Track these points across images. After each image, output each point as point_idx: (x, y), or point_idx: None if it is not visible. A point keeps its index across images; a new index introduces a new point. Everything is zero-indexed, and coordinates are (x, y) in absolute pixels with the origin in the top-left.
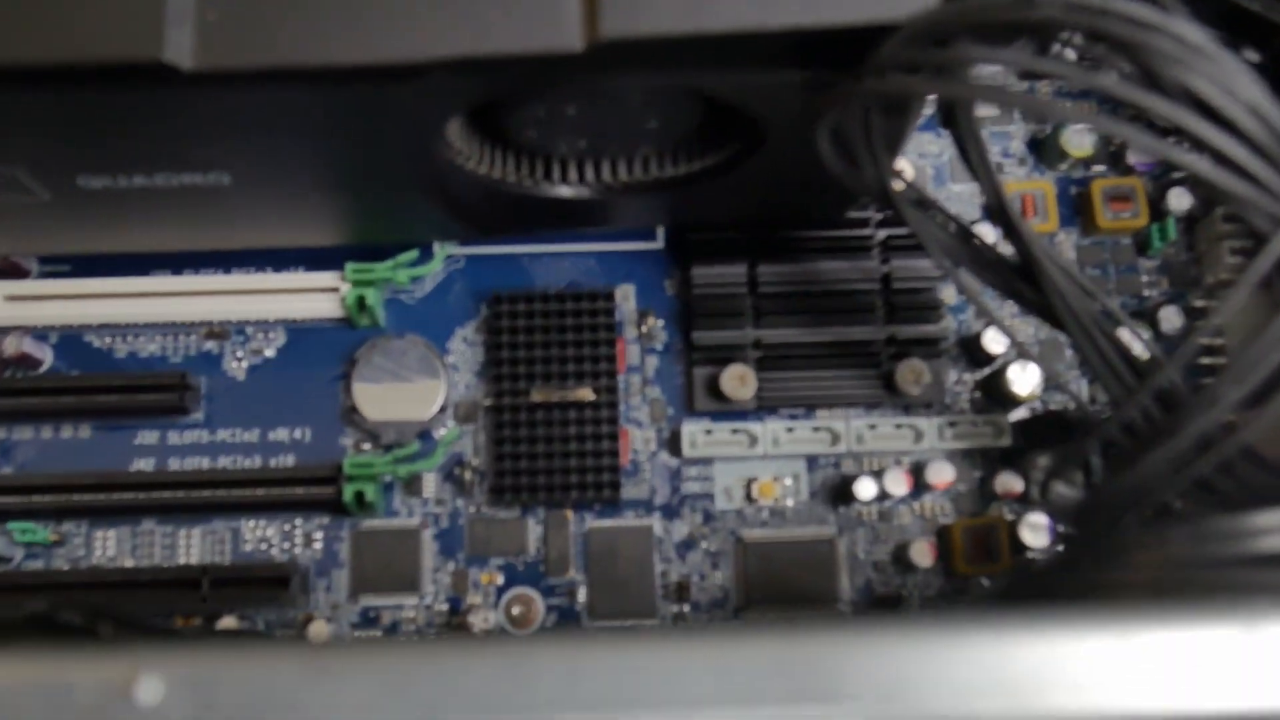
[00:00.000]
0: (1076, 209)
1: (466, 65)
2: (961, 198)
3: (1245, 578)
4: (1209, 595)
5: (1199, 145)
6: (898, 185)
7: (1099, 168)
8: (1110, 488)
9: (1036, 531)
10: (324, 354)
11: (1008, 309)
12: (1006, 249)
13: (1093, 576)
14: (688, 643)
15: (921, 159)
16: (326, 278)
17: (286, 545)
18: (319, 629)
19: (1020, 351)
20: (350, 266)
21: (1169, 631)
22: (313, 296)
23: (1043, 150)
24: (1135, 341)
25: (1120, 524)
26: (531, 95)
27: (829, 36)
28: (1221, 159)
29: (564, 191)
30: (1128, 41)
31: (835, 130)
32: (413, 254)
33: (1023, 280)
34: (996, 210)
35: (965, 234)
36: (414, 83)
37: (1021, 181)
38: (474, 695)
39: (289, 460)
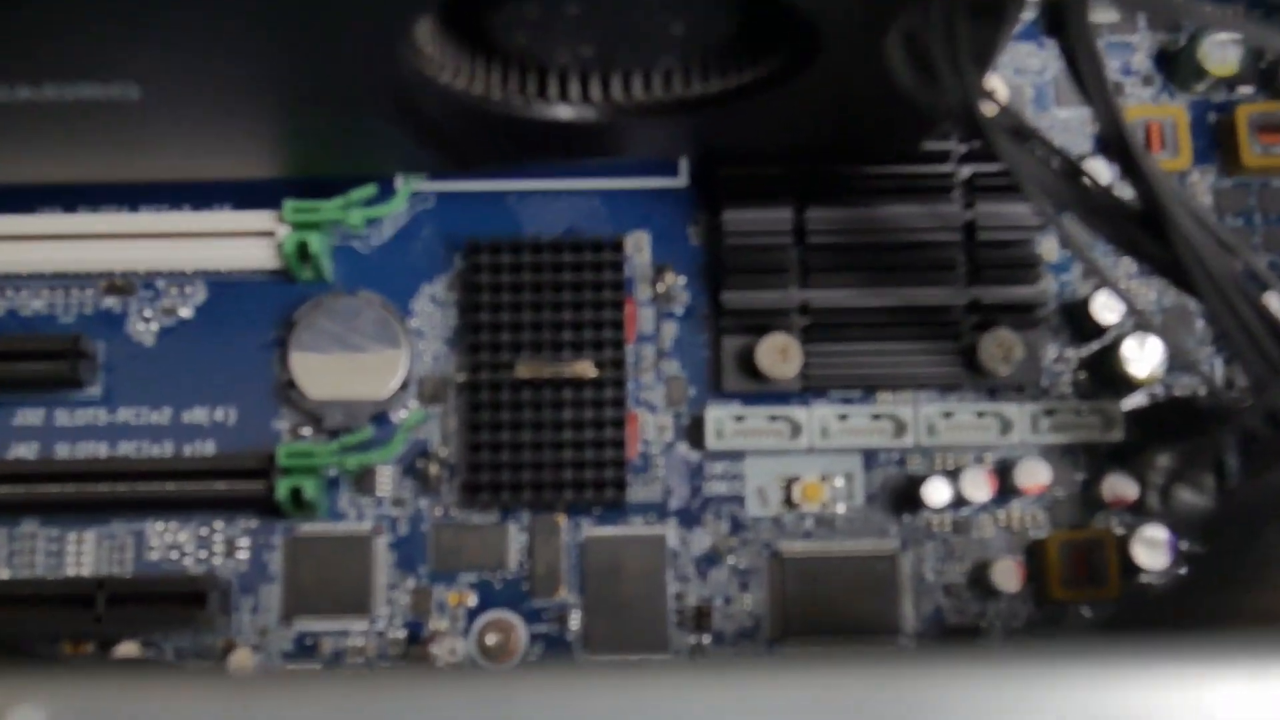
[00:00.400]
0: (1216, 141)
1: None
2: (1069, 126)
3: None
4: None
5: None
6: (989, 108)
7: (1245, 89)
8: (1249, 491)
9: (1154, 549)
10: (255, 315)
11: (1124, 268)
12: (1125, 192)
13: (1226, 601)
14: (707, 681)
15: (1019, 76)
16: (259, 219)
17: (204, 554)
18: (242, 659)
19: (1139, 322)
20: (290, 205)
21: None
22: (242, 242)
23: (1175, 67)
24: None
25: (1262, 536)
26: None
27: None
28: None
29: (563, 113)
30: None
31: (909, 36)
32: (369, 190)
33: (1144, 231)
34: (1113, 142)
35: (1073, 171)
36: None
37: (1147, 106)
38: None
39: (208, 448)
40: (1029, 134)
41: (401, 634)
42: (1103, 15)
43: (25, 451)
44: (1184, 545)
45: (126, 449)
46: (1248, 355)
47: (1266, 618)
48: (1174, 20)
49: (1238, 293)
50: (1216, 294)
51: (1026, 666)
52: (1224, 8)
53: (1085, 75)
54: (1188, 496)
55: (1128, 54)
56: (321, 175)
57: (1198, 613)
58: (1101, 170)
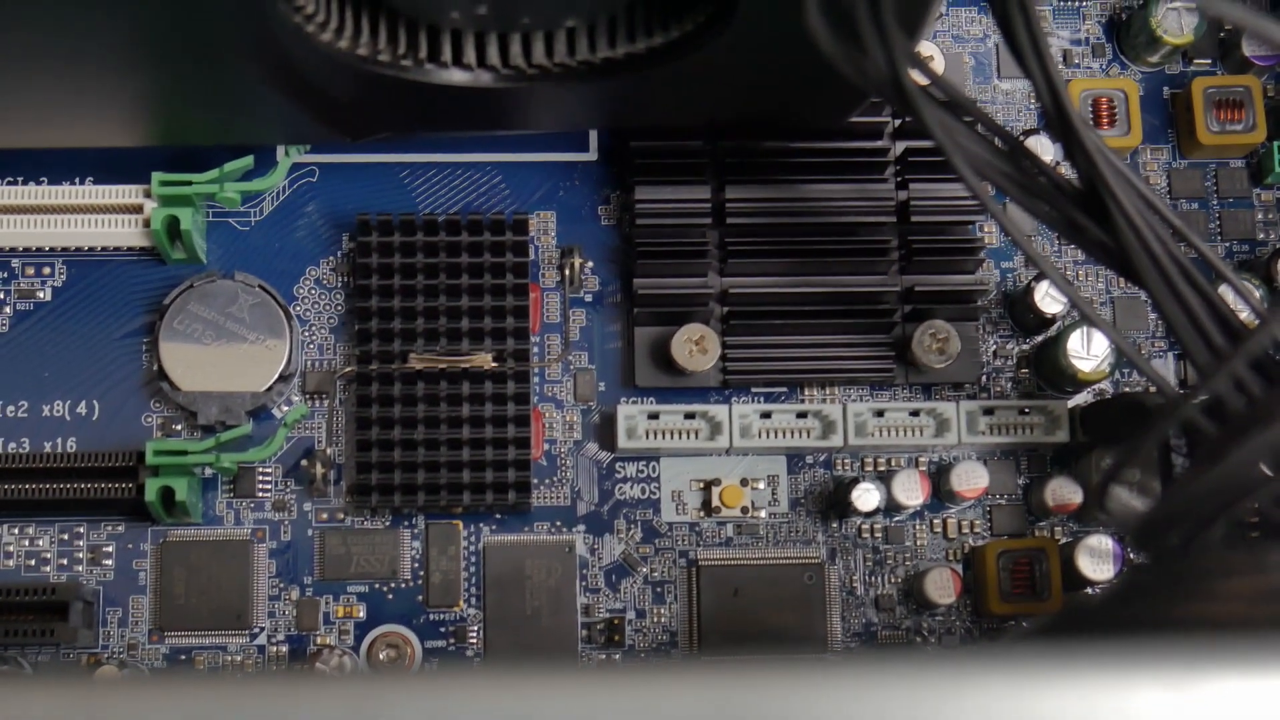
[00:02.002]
0: (1170, 118)
1: None
2: (1012, 99)
3: None
4: None
5: None
6: (918, 77)
7: (1202, 62)
8: (1187, 490)
9: (1099, 559)
10: (120, 299)
11: (1071, 255)
12: (1071, 173)
13: (1165, 610)
14: (609, 687)
15: (958, 44)
16: (125, 193)
17: (65, 561)
18: (109, 676)
19: (1083, 313)
20: (158, 178)
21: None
22: (105, 219)
23: (1126, 36)
24: (1237, 297)
25: (1201, 541)
26: None
27: None
28: None
29: (456, 77)
30: None
31: None
32: (246, 162)
33: (1084, 211)
34: (1052, 113)
35: (1010, 147)
36: None
37: (1096, 79)
38: None
39: (70, 445)
40: (962, 107)
41: (285, 649)
42: None
43: None
44: (1131, 555)
45: None
46: (1190, 343)
47: (1205, 625)
48: None
49: (1182, 276)
50: (1159, 278)
51: (948, 672)
52: None
53: (1021, 44)
54: (1125, 497)
55: (1076, 21)
56: (194, 144)
57: (1135, 619)
58: (1046, 148)
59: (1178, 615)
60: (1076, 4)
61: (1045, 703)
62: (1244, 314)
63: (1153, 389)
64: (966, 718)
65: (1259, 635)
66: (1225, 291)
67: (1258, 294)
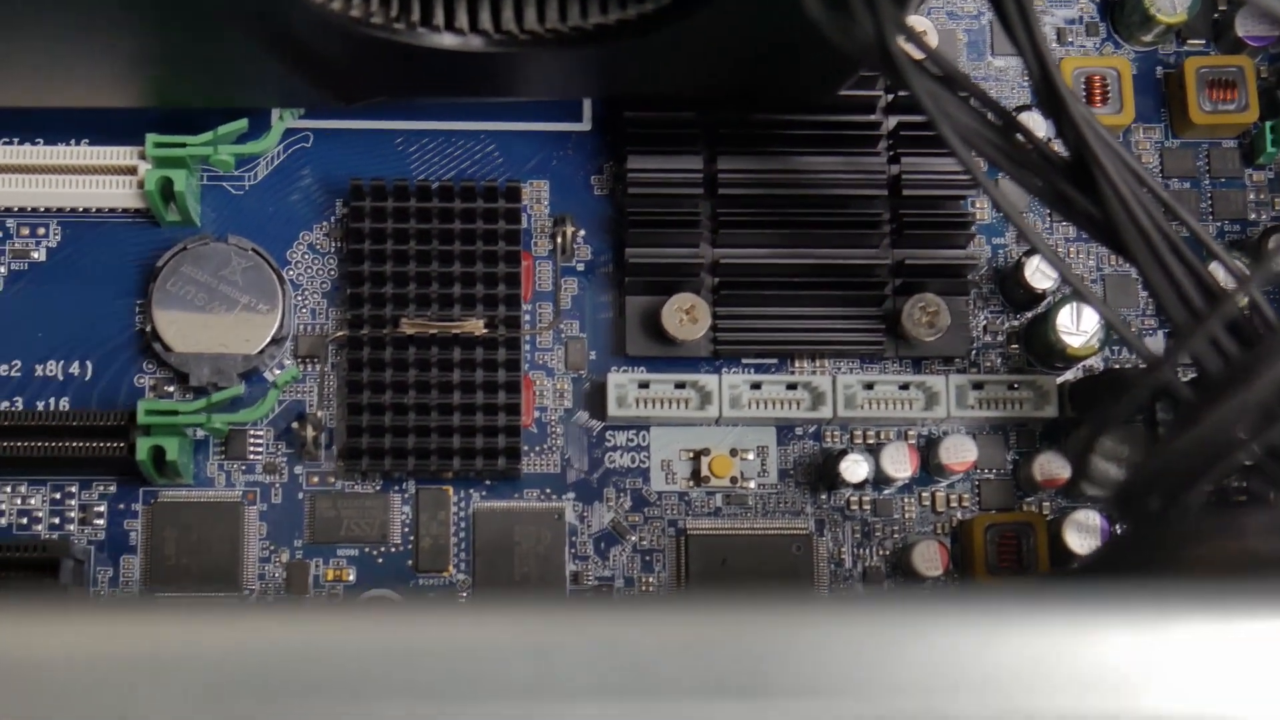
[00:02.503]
0: (1163, 98)
1: None
2: (1007, 77)
3: None
4: None
5: None
6: (909, 49)
7: (1196, 41)
8: (1164, 455)
9: (1086, 534)
10: (114, 260)
11: (1062, 232)
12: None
13: (1142, 575)
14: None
15: (952, 20)
16: (119, 154)
17: (56, 520)
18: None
19: (1073, 285)
20: (152, 139)
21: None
22: (100, 180)
23: (1120, 14)
24: (1224, 265)
25: (1180, 506)
26: None
27: None
28: None
29: (447, 41)
30: None
31: None
32: (240, 125)
33: (1073, 183)
34: (1040, 85)
35: (1000, 120)
36: None
37: (1089, 57)
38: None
39: (62, 404)
40: (953, 79)
41: None
42: None
43: None
44: (1116, 530)
45: None
46: (1170, 307)
47: None
48: None
49: (1167, 246)
50: (1145, 248)
51: (908, 610)
52: None
53: (1011, 19)
54: (1105, 466)
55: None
56: (188, 106)
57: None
58: (1038, 124)
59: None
60: None
61: (1009, 641)
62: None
63: (1141, 365)
64: (934, 651)
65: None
66: (1215, 269)
67: (1240, 262)
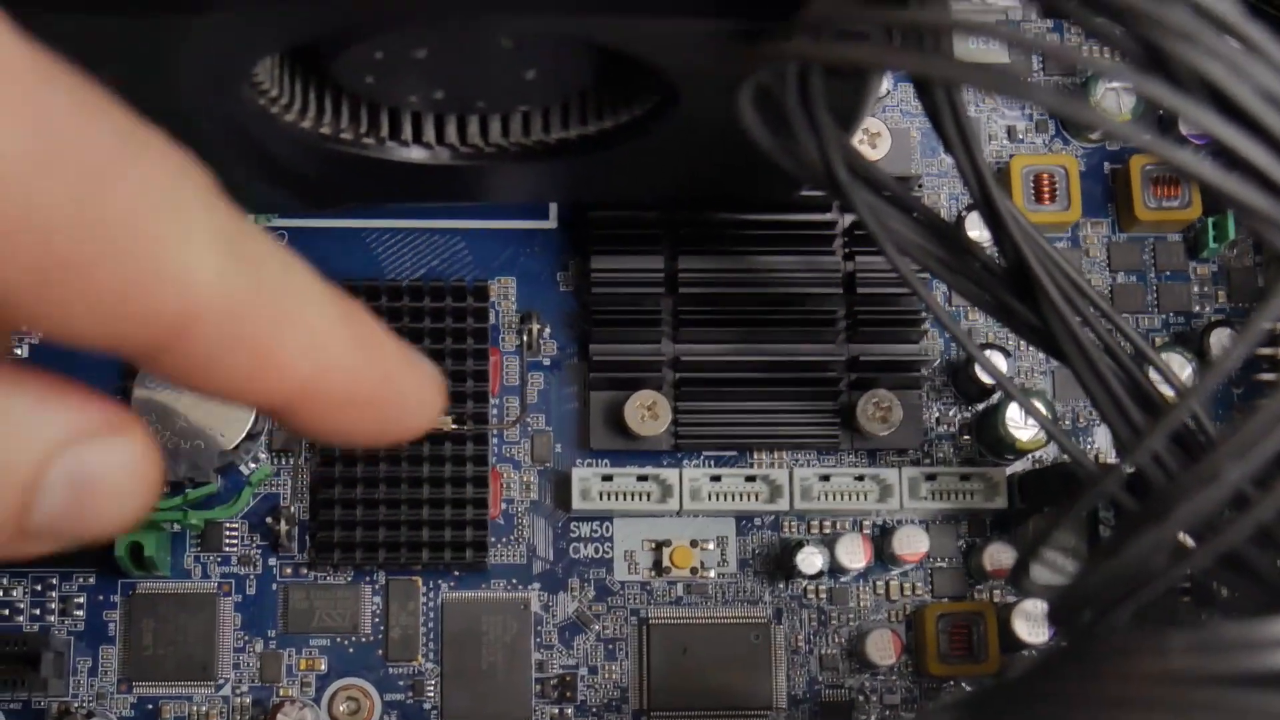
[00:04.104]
0: (1110, 194)
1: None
2: (957, 173)
3: (1262, 703)
4: None
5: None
6: (850, 167)
7: (1133, 128)
8: (1093, 575)
9: (1034, 624)
10: (90, 361)
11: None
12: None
13: (1071, 689)
14: None
15: (905, 119)
16: None
17: (36, 611)
18: None
19: (1006, 391)
20: None
21: None
22: None
23: None
24: (1163, 376)
25: (1109, 621)
26: (362, 34)
27: None
28: (1242, 166)
29: (415, 155)
30: (1129, 10)
31: (764, 92)
32: (210, 488)
33: (1014, 294)
34: (979, 199)
35: (939, 229)
36: (196, 16)
37: (1038, 155)
38: None
39: None
40: (896, 198)
41: (248, 700)
42: (995, 55)
43: None
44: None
45: None
46: (1113, 422)
47: (1115, 706)
48: (1025, 97)
49: (1105, 357)
50: (1086, 365)
51: None
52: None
53: (948, 133)
54: (1046, 572)
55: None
56: None
57: (1043, 698)
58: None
59: (1082, 694)
60: (1022, 76)
61: None
62: (1165, 384)
63: (1088, 459)
64: None
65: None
66: (1170, 357)
67: (1187, 371)
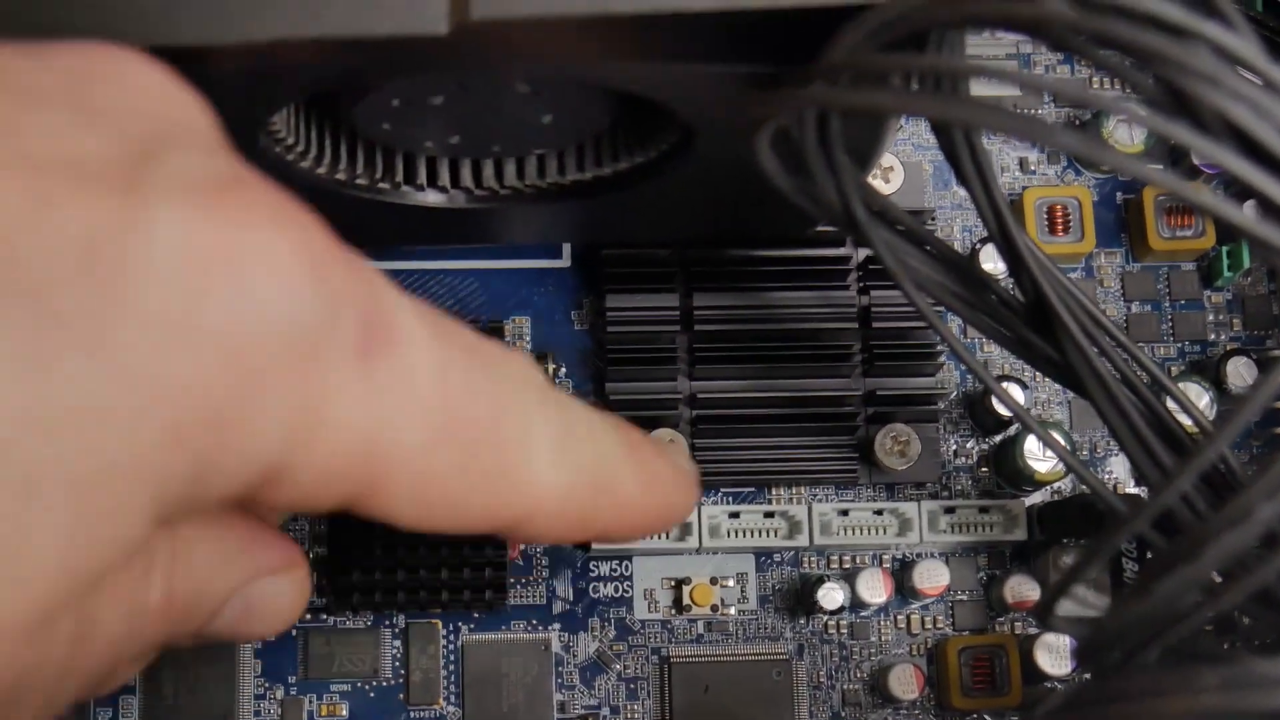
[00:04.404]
0: (1123, 224)
1: (293, 51)
2: (970, 206)
3: None
4: None
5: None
6: (868, 207)
7: (1154, 168)
8: (1123, 616)
9: (1056, 656)
10: None
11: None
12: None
13: None
14: None
15: (918, 152)
16: None
17: None
18: None
19: (1027, 426)
20: None
21: None
22: None
23: None
24: (1184, 409)
25: (1139, 657)
26: (380, 84)
27: (768, 21)
28: (1267, 206)
29: (431, 199)
30: (1149, 52)
31: (782, 134)
32: None
33: (1032, 328)
34: (998, 237)
35: (955, 264)
36: (218, 72)
37: (1051, 186)
38: None
39: None
40: (913, 233)
41: None
42: (1005, 90)
43: None
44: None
45: None
46: (1140, 462)
47: None
48: (1048, 141)
49: (1127, 394)
50: (1107, 399)
51: None
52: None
53: (966, 173)
54: (1074, 608)
55: None
56: None
57: None
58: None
59: None
60: (1033, 113)
61: None
62: (1188, 420)
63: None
64: None
65: None
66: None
67: (1204, 399)
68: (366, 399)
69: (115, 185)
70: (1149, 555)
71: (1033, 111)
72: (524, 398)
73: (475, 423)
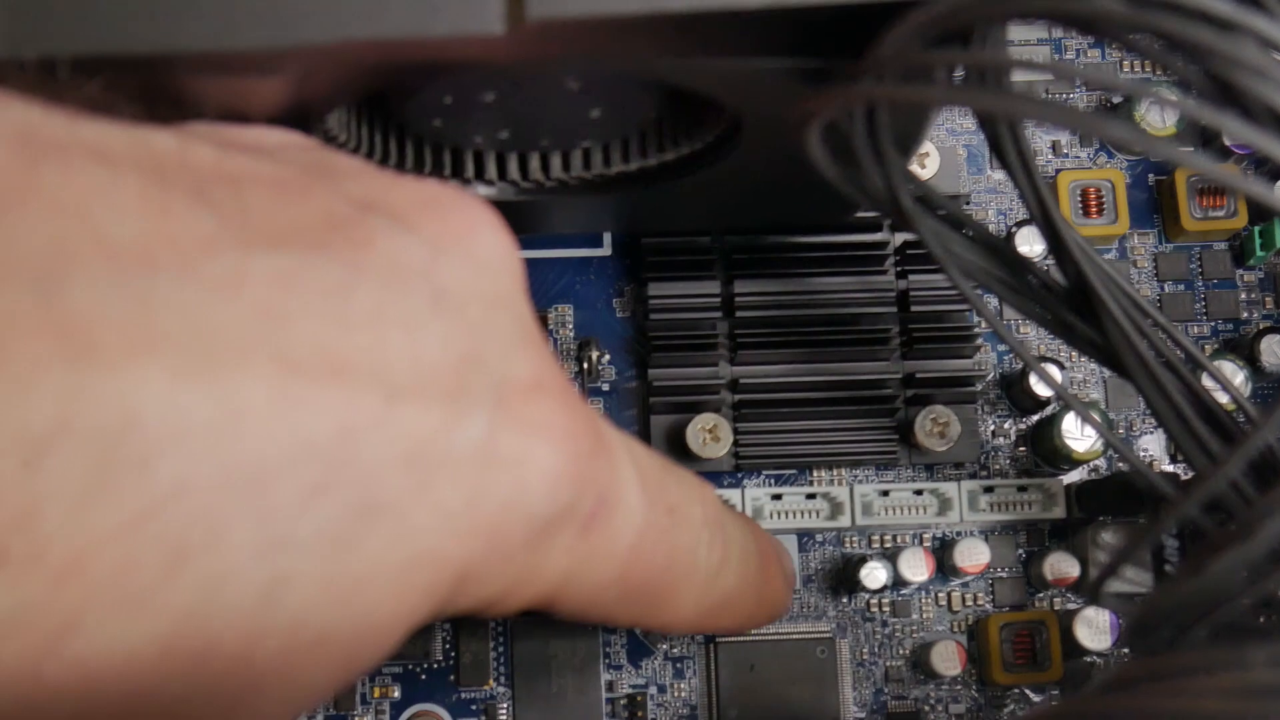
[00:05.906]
0: (1155, 205)
1: (350, 53)
2: (1006, 189)
3: None
4: None
5: None
6: (912, 192)
7: (1186, 150)
8: (1172, 595)
9: (1095, 631)
10: None
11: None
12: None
13: (1151, 705)
14: None
15: (952, 136)
16: None
17: None
18: None
19: (1071, 407)
20: None
21: None
22: None
23: None
24: (1225, 389)
25: (1188, 635)
26: (435, 83)
27: (818, 17)
28: None
29: (480, 192)
30: (1197, 46)
31: (830, 126)
32: None
33: (1073, 311)
34: (1041, 223)
35: (995, 248)
36: (273, 75)
37: (1084, 169)
38: None
39: None
40: (957, 219)
41: None
42: (1038, 75)
43: None
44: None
45: None
46: (1184, 445)
47: None
48: (1095, 131)
49: (1171, 376)
50: (1148, 379)
51: None
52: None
53: (1010, 162)
54: (1122, 586)
55: None
56: None
57: (1125, 711)
58: (1039, 238)
59: (1161, 710)
60: (1065, 96)
61: None
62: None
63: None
64: None
65: None
66: (1223, 365)
67: (1240, 377)
68: (575, 552)
69: (447, 393)
70: (1197, 536)
71: (1064, 97)
72: (695, 546)
73: (648, 569)
